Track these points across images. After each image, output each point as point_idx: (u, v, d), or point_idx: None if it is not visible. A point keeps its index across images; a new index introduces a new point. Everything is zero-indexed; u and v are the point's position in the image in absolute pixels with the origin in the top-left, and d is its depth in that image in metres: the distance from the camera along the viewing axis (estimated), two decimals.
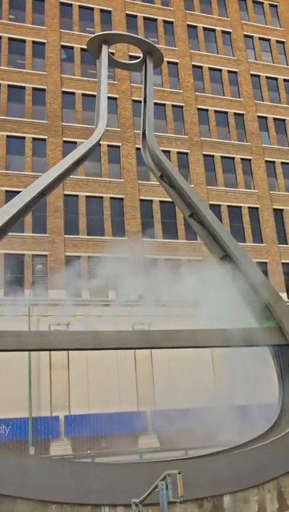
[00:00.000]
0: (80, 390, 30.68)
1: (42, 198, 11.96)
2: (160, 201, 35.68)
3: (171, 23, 41.78)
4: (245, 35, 43.55)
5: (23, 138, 35.53)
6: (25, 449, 27.39)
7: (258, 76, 42.72)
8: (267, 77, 43.04)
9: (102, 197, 35.83)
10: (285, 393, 12.94)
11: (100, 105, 12.83)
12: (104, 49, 13.53)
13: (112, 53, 15.37)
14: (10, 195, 33.53)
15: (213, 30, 42.85)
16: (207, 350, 30.41)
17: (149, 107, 13.31)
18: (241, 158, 39.72)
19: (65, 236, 34.28)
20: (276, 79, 43.30)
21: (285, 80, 43.46)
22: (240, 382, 29.36)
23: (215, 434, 29.21)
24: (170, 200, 28.35)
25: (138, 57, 30.34)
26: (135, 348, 16.84)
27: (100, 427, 30.10)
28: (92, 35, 35.55)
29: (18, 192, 33.01)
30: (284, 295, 32.34)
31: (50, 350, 17.59)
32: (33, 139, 35.73)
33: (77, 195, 34.87)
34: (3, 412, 28.01)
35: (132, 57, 34.94)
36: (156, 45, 38.20)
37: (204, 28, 42.62)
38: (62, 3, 39.26)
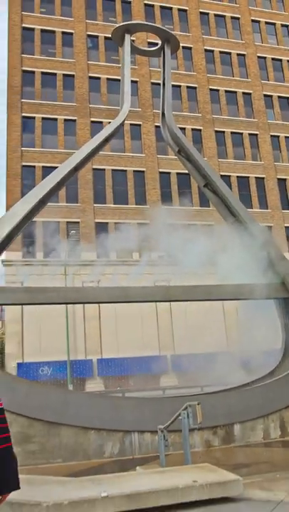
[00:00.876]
0: (109, 337, 31.19)
1: (75, 173, 11.99)
2: (177, 173, 35.35)
3: (185, 11, 40.43)
4: (253, 20, 41.96)
5: (56, 119, 35.25)
6: (64, 386, 28.12)
7: (264, 58, 41.35)
8: (272, 59, 41.64)
9: (125, 170, 35.66)
10: (287, 340, 13.06)
11: (124, 88, 12.66)
12: (127, 38, 13.25)
13: (133, 40, 15.00)
14: (46, 170, 33.57)
15: (223, 17, 41.36)
16: (219, 303, 30.64)
17: (168, 89, 13.07)
18: (249, 133, 38.95)
19: (95, 205, 34.34)
20: (281, 60, 41.88)
21: (288, 61, 42.05)
22: (248, 330, 29.60)
23: (226, 374, 29.69)
24: (186, 172, 28.17)
25: (155, 44, 29.85)
26: (158, 301, 17.00)
27: (127, 368, 30.62)
28: (116, 25, 34.83)
29: (53, 167, 33.15)
30: (287, 255, 32.17)
31: (85, 303, 17.83)
32: (65, 120, 35.44)
33: (104, 169, 34.74)
34: (47, 356, 28.79)
35: (150, 44, 34.18)
36: (172, 32, 37.46)
37: (215, 15, 41.15)
38: None
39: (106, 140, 12.38)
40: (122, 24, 13.51)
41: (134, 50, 14.03)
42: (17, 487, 2.31)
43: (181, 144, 12.96)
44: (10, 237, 11.22)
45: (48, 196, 11.43)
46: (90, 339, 31.56)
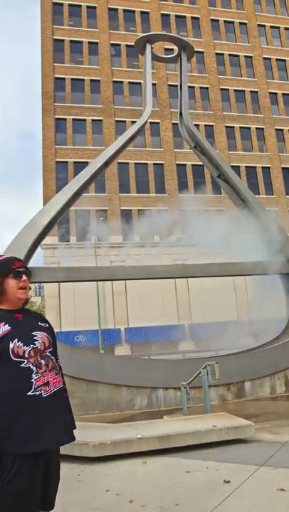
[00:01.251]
0: (135, 309, 31.61)
1: (106, 167, 12.11)
2: (192, 165, 35.15)
3: (198, 18, 39.53)
4: (259, 25, 40.78)
5: (85, 120, 35.24)
6: (96, 352, 28.74)
7: (270, 59, 40.28)
8: (277, 59, 40.52)
9: (146, 163, 35.57)
10: None
11: (146, 92, 12.57)
12: (148, 47, 13.11)
13: (152, 47, 14.86)
14: (77, 164, 33.78)
15: (232, 23, 40.32)
16: (230, 279, 30.65)
17: (184, 92, 12.94)
18: (256, 128, 38.28)
19: (120, 195, 34.45)
20: (284, 60, 40.69)
21: None
22: (256, 302, 29.58)
23: (237, 340, 29.83)
24: (200, 164, 27.93)
25: (171, 49, 29.40)
26: (177, 277, 17.11)
27: (150, 335, 30.86)
28: (136, 34, 34.28)
29: (83, 162, 33.49)
30: None
31: (114, 280, 18.04)
32: (92, 120, 35.39)
33: (128, 163, 34.73)
34: (81, 325, 29.39)
35: (166, 49, 33.77)
36: (186, 38, 36.80)
37: (225, 21, 40.12)
38: (110, 9, 37.59)
39: (131, 138, 12.40)
40: (143, 35, 13.33)
41: (154, 58, 13.87)
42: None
43: (196, 139, 12.91)
44: (50, 225, 11.47)
45: (83, 189, 11.57)
46: (118, 311, 32.03)
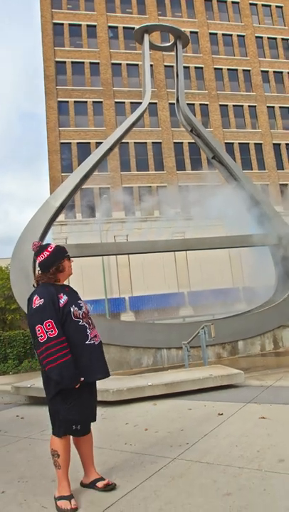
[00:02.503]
0: (138, 279, 32.40)
1: (111, 152, 12.56)
2: (188, 143, 35.24)
3: None
4: (251, 4, 39.92)
5: (86, 102, 35.11)
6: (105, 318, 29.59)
7: (261, 37, 39.62)
8: (268, 38, 39.86)
9: (145, 142, 35.64)
10: (278, 278, 13.73)
11: (146, 81, 12.84)
12: (146, 37, 13.27)
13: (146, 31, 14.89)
14: (80, 145, 33.94)
15: (225, 2, 39.44)
16: (225, 250, 31.31)
17: (180, 79, 13.20)
18: (248, 106, 38.11)
19: (121, 173, 34.68)
20: (275, 39, 40.08)
21: (282, 39, 40.24)
22: (248, 272, 30.28)
23: (232, 304, 30.72)
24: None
25: (168, 34, 28.99)
26: (179, 251, 17.70)
27: (153, 303, 31.65)
28: (132, 17, 33.62)
29: (86, 143, 33.59)
30: (280, 208, 32.30)
31: (122, 254, 18.50)
32: (93, 102, 35.25)
33: (127, 142, 34.78)
34: (89, 295, 30.13)
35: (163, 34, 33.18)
36: (180, 18, 36.13)
37: (218, 1, 39.29)
38: None
39: (133, 124, 12.80)
40: (141, 26, 13.47)
41: (152, 47, 14.04)
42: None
43: (192, 124, 13.30)
44: (62, 207, 12.06)
45: (91, 171, 12.06)
46: (122, 281, 32.79)
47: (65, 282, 3.39)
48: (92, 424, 3.21)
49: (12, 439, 4.66)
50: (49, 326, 2.89)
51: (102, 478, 3.10)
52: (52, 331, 2.88)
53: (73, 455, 3.11)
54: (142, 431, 4.45)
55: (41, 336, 2.89)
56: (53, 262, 3.13)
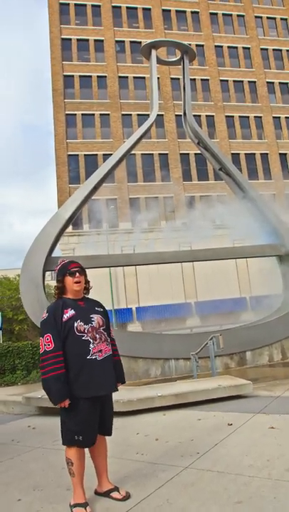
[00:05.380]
0: (145, 290, 32.43)
1: (119, 164, 12.75)
2: (195, 153, 35.48)
3: (197, 12, 39.34)
4: (256, 17, 40.50)
5: (93, 115, 35.63)
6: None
7: (266, 49, 40.10)
8: (273, 50, 40.33)
9: (152, 153, 35.97)
10: (285, 288, 13.68)
11: (153, 95, 13.06)
12: (153, 52, 13.53)
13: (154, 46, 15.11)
14: (87, 157, 34.35)
15: (230, 15, 40.08)
16: (232, 261, 31.30)
17: (187, 93, 13.39)
18: (254, 116, 38.43)
19: (128, 184, 34.98)
20: (280, 50, 40.55)
21: (287, 51, 40.66)
22: (255, 282, 30.22)
23: (239, 314, 30.63)
24: None
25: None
26: (186, 262, 17.72)
27: (160, 313, 31.60)
28: (139, 31, 34.16)
29: (93, 154, 33.92)
30: (286, 218, 32.30)
31: (130, 265, 18.34)
32: (100, 114, 35.75)
33: (134, 154, 35.04)
34: None
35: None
36: (186, 32, 36.68)
37: (223, 14, 39.91)
38: (113, 7, 37.59)
39: (140, 137, 13.00)
40: (148, 42, 13.73)
41: (159, 62, 14.30)
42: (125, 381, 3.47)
43: (199, 137, 13.46)
44: (71, 218, 12.24)
45: (100, 184, 12.22)
46: (129, 291, 32.84)
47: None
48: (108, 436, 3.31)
49: (25, 448, 4.77)
50: (47, 339, 3.06)
51: (115, 488, 3.18)
52: (49, 345, 3.04)
53: (89, 465, 3.21)
54: (153, 441, 4.53)
55: (40, 349, 3.10)
56: (57, 279, 3.30)
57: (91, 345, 3.12)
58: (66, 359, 3.07)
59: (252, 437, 4.27)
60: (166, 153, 36.14)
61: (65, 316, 3.14)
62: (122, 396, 5.97)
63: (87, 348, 3.10)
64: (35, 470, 3.99)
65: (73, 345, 3.09)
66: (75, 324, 3.12)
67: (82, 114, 35.21)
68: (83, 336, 3.12)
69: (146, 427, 5.13)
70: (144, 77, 35.56)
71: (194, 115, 15.24)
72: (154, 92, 13.01)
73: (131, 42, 36.44)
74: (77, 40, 36.30)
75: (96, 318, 3.25)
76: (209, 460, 3.72)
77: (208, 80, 38.24)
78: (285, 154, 38.26)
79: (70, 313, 3.16)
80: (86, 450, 3.19)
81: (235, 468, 3.47)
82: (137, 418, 5.67)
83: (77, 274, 3.32)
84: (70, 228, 32.51)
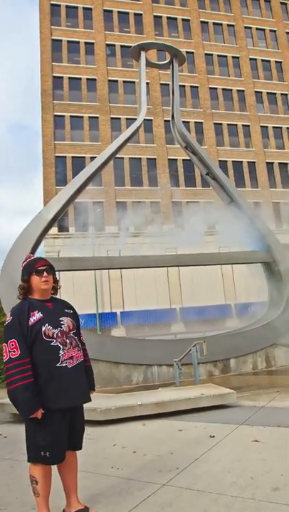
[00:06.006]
0: (130, 294, 32.09)
1: (104, 166, 12.50)
2: (183, 159, 35.44)
3: (188, 20, 39.44)
4: (246, 27, 40.76)
5: (82, 117, 35.29)
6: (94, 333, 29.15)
7: (255, 59, 40.34)
8: (262, 60, 40.57)
9: (140, 158, 35.78)
10: (271, 295, 13.60)
11: (141, 97, 12.88)
12: (143, 54, 13.36)
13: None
14: (75, 159, 33.97)
15: (220, 25, 40.28)
16: (217, 268, 31.26)
17: (176, 97, 13.24)
18: (242, 125, 38.57)
19: (115, 187, 34.68)
20: (269, 61, 40.83)
21: (276, 62, 41.04)
22: (240, 288, 30.16)
23: (224, 321, 30.51)
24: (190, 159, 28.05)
25: (164, 51, 29.45)
26: (172, 266, 17.53)
27: (144, 318, 31.19)
28: (130, 36, 34.15)
29: (81, 157, 33.63)
30: (272, 226, 32.46)
31: (115, 268, 18.08)
32: (89, 117, 35.44)
33: (122, 157, 34.87)
34: (80, 310, 29.60)
35: (159, 50, 33.63)
36: (177, 39, 36.77)
37: (214, 23, 40.04)
38: (105, 11, 37.45)
39: (127, 139, 12.79)
40: (138, 43, 13.60)
41: (149, 64, 14.14)
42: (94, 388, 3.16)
43: (187, 140, 13.33)
44: (55, 219, 11.91)
45: (84, 186, 11.96)
46: (114, 296, 32.47)
47: (57, 295, 3.22)
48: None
49: None
50: (12, 345, 2.75)
51: (86, 508, 2.88)
52: (14, 352, 2.73)
53: (57, 480, 2.90)
54: (130, 453, 4.24)
55: (4, 356, 2.76)
56: (22, 277, 2.99)
57: (61, 352, 2.82)
58: (33, 367, 2.75)
59: (235, 451, 4.01)
60: (155, 158, 36.01)
61: (32, 320, 2.82)
62: (100, 404, 5.66)
63: (57, 355, 2.80)
64: (0, 485, 3.66)
65: (41, 351, 2.78)
66: (43, 328, 2.81)
67: (71, 116, 34.88)
68: (52, 341, 2.82)
69: (124, 438, 4.83)
70: (133, 82, 35.43)
71: (183, 121, 15.10)
72: (142, 94, 12.83)
73: (121, 46, 36.32)
74: (68, 41, 35.99)
75: (66, 322, 2.95)
76: (189, 476, 3.44)
77: (197, 87, 38.32)
78: (272, 163, 38.48)
79: (37, 316, 2.85)
80: (54, 466, 2.88)
81: (216, 486, 3.20)
82: (114, 428, 5.36)
83: (45, 273, 3.00)
84: (55, 230, 32.13)
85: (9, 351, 2.73)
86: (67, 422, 2.85)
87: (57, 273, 3.32)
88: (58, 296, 3.21)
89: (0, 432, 5.71)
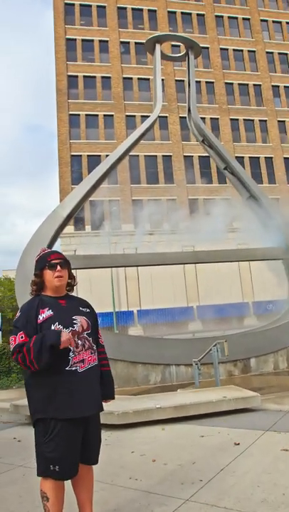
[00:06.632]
0: (147, 293, 31.90)
1: (119, 162, 12.24)
2: (199, 156, 35.04)
3: (203, 15, 38.90)
4: (261, 20, 40.03)
5: (97, 115, 35.18)
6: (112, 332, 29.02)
7: (272, 53, 39.59)
8: (279, 53, 39.81)
9: (156, 155, 35.50)
10: None
11: (156, 91, 12.58)
12: (157, 47, 13.04)
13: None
14: (90, 158, 33.87)
15: (236, 18, 39.63)
16: (235, 264, 30.74)
17: (192, 89, 12.89)
18: (259, 120, 37.88)
19: (131, 185, 34.50)
20: (286, 54, 39.98)
21: None
22: (259, 286, 29.62)
23: (242, 319, 30.02)
24: (206, 155, 27.65)
25: (178, 45, 29.03)
26: (189, 263, 17.21)
27: (161, 317, 31.20)
28: (144, 32, 33.84)
29: (96, 155, 33.49)
30: None
31: (131, 266, 17.91)
32: (104, 115, 35.31)
33: (138, 155, 34.68)
34: (97, 308, 29.57)
35: (173, 46, 33.20)
36: (191, 35, 36.28)
37: (229, 17, 39.47)
38: (119, 8, 37.22)
39: (142, 135, 12.48)
40: (153, 36, 13.26)
41: (163, 57, 13.81)
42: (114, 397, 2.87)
43: (204, 134, 12.96)
44: (70, 217, 11.68)
45: (99, 182, 11.72)
46: (130, 294, 32.33)
47: (73, 293, 2.94)
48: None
49: (5, 467, 4.19)
50: (21, 337, 2.51)
51: None
52: (22, 337, 2.51)
53: (70, 492, 2.64)
54: (149, 462, 3.96)
55: (11, 345, 2.53)
56: (35, 272, 2.73)
57: (71, 354, 2.52)
58: (40, 370, 2.47)
59: (263, 461, 3.68)
60: (170, 155, 35.64)
61: (41, 317, 2.55)
62: (117, 407, 5.39)
63: (66, 357, 2.51)
64: (11, 495, 3.42)
65: None
66: (52, 327, 2.53)
67: (86, 115, 34.78)
68: None
69: (143, 444, 4.55)
70: (148, 79, 35.12)
71: (202, 121, 14.69)
72: (157, 87, 12.50)
73: (136, 43, 36.01)
74: (82, 40, 35.90)
75: (79, 321, 2.66)
76: (214, 491, 3.14)
77: (213, 82, 37.75)
78: None
79: (46, 313, 2.57)
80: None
81: (246, 504, 2.88)
82: (132, 432, 5.09)
83: (59, 267, 2.73)
84: (71, 229, 32.13)
85: (17, 339, 2.51)
86: (80, 433, 2.56)
87: (73, 271, 3.05)
88: (74, 294, 2.93)
89: (14, 436, 5.50)
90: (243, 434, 4.55)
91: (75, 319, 2.65)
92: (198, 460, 3.86)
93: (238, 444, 4.21)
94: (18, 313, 2.63)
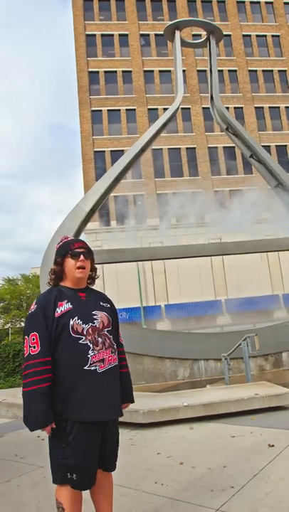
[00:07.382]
0: (174, 287, 31.61)
1: (142, 154, 11.92)
2: (223, 147, 34.30)
3: (224, 1, 37.87)
4: (285, 3, 38.60)
5: (119, 110, 34.96)
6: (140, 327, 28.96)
7: None
8: None
9: (179, 148, 34.99)
10: None
11: (178, 79, 12.20)
12: (177, 34, 12.65)
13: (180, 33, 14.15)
14: (113, 153, 33.71)
15: (258, 3, 38.37)
16: (264, 255, 30.00)
17: (214, 75, 12.44)
18: (285, 107, 36.64)
19: (155, 179, 34.18)
20: None
21: None
22: None
23: (271, 312, 29.27)
24: (231, 145, 26.92)
25: (199, 35, 28.39)
26: (215, 255, 16.81)
27: (189, 311, 30.92)
28: (164, 23, 33.32)
29: (119, 151, 33.34)
30: None
31: (156, 259, 17.66)
32: (126, 110, 35.04)
33: (161, 148, 34.29)
34: (124, 303, 29.70)
35: (194, 35, 32.53)
36: (213, 23, 35.41)
37: (250, 2, 38.27)
38: (137, 0, 36.76)
39: (164, 124, 12.13)
40: (172, 22, 12.86)
41: (184, 44, 13.38)
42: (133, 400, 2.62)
43: (228, 121, 12.50)
44: (93, 211, 11.49)
45: (122, 175, 11.47)
46: (158, 289, 32.13)
47: (99, 289, 2.69)
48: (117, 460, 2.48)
49: (26, 467, 4.03)
50: (33, 340, 2.26)
51: None
52: (34, 347, 2.24)
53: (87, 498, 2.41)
54: (177, 465, 3.69)
55: (24, 350, 2.28)
56: (55, 260, 2.49)
57: (90, 352, 2.28)
58: (56, 368, 2.25)
59: None
60: (194, 148, 35.05)
61: (59, 310, 2.31)
62: (143, 405, 5.16)
63: (85, 356, 2.26)
64: (30, 500, 3.23)
65: (67, 350, 2.26)
66: (71, 322, 2.28)
67: (108, 110, 34.62)
68: (81, 338, 2.28)
69: (169, 445, 4.29)
70: (169, 71, 34.57)
71: (225, 108, 14.22)
72: (178, 76, 12.11)
73: (156, 35, 35.47)
74: (102, 35, 35.66)
75: (100, 316, 2.41)
76: (248, 499, 2.84)
77: (235, 70, 36.80)
78: None
79: (65, 306, 2.32)
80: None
81: None
82: (159, 431, 4.84)
83: (82, 256, 2.48)
84: (97, 225, 32.14)
85: (29, 346, 2.26)
86: (98, 438, 2.32)
87: (99, 266, 2.80)
88: (97, 289, 2.68)
89: (38, 434, 5.35)
90: (278, 434, 4.22)
91: (95, 315, 2.40)
92: (230, 463, 3.56)
93: (273, 445, 3.88)
94: (33, 305, 2.39)
